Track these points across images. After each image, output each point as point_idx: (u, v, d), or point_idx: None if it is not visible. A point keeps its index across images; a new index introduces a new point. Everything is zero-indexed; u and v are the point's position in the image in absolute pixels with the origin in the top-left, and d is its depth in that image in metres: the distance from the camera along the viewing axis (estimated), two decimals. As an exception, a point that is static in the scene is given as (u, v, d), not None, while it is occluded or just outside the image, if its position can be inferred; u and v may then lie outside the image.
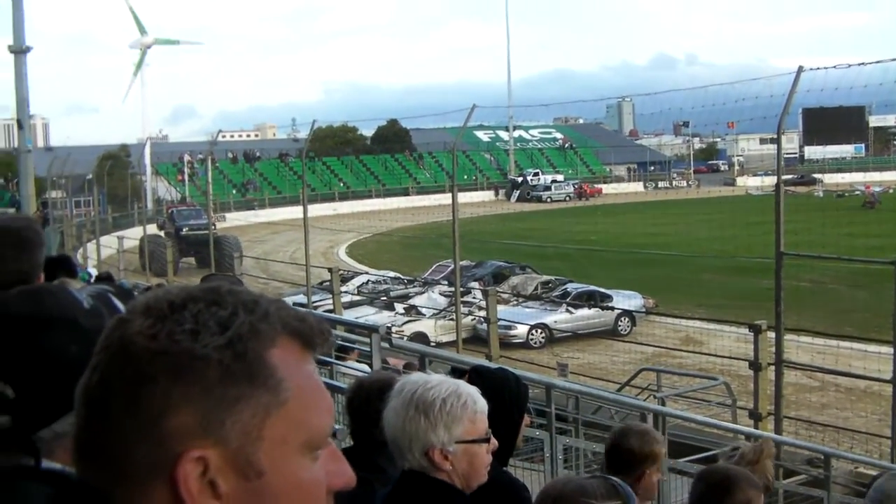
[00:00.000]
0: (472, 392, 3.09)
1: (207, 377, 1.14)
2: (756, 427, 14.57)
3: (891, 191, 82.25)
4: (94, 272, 19.95)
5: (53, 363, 1.66)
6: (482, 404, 3.09)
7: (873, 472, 11.03)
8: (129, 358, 1.14)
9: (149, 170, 79.02)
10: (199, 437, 1.13)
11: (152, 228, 50.11)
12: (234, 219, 68.29)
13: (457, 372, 4.26)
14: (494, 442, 3.16)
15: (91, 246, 46.45)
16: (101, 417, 1.15)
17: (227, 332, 1.16)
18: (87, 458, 1.17)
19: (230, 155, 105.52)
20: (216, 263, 37.73)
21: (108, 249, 46.38)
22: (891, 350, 14.41)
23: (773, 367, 15.39)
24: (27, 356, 1.70)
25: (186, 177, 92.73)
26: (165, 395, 1.13)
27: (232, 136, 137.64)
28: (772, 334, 15.40)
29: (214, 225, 44.72)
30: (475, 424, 3.04)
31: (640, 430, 5.24)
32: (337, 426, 4.92)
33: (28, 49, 20.13)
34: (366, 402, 3.83)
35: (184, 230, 49.03)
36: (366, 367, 10.97)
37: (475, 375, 3.84)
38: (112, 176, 63.02)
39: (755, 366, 15.69)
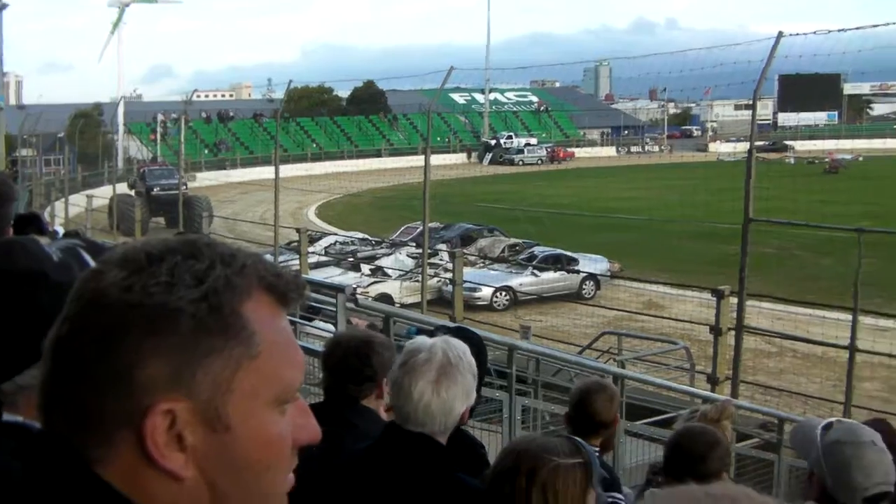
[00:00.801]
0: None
1: (180, 330, 1.13)
2: (713, 391, 14.68)
3: (860, 158, 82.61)
4: (60, 230, 19.83)
5: (20, 316, 1.64)
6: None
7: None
8: (103, 309, 1.13)
9: (121, 129, 78.58)
10: (170, 389, 1.13)
11: (122, 188, 49.73)
12: (205, 178, 68.02)
13: (421, 333, 4.29)
14: None
15: (59, 204, 46.14)
16: (71, 368, 1.13)
17: (203, 286, 1.15)
18: (54, 409, 1.16)
19: (204, 115, 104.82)
20: (186, 223, 37.61)
21: (77, 208, 46.10)
22: (849, 317, 14.54)
23: (733, 332, 15.49)
24: None
25: (159, 136, 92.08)
26: (137, 347, 1.12)
27: (207, 96, 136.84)
28: (734, 300, 15.49)
29: (185, 185, 44.54)
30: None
31: (609, 394, 5.26)
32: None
33: (4, 6, 19.90)
34: (343, 359, 3.80)
35: (154, 190, 48.68)
36: (330, 327, 11.01)
37: (456, 333, 3.84)
38: (84, 135, 62.69)
39: (716, 330, 15.82)
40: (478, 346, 3.89)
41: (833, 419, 3.77)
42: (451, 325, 5.66)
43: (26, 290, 1.69)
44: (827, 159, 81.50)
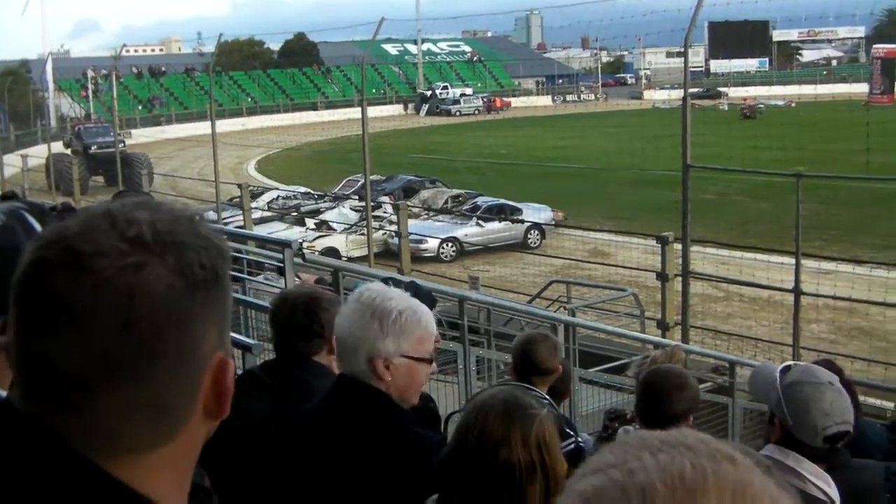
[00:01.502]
0: (429, 315, 3.13)
1: (222, 298, 1.25)
2: (664, 337, 14.87)
3: (792, 104, 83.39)
4: (-4, 190, 19.53)
5: None
6: (433, 328, 3.13)
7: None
8: (170, 300, 1.17)
9: (51, 86, 76.99)
10: (217, 348, 1.24)
11: (57, 146, 48.78)
12: (141, 135, 67.00)
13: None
14: (434, 366, 3.22)
15: (-7, 165, 45.33)
16: (147, 365, 1.16)
17: (224, 254, 1.26)
18: (108, 415, 1.17)
19: (135, 70, 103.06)
20: (125, 181, 37.13)
21: (12, 168, 45.22)
22: (792, 261, 14.79)
23: (679, 279, 15.69)
24: None
25: (90, 93, 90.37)
26: (203, 325, 1.21)
27: (136, 51, 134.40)
28: (678, 246, 15.66)
29: (123, 142, 43.91)
30: (423, 344, 3.07)
31: (552, 343, 5.39)
32: (251, 341, 4.94)
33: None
34: (290, 316, 3.84)
35: (92, 148, 47.72)
36: (280, 283, 10.98)
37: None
38: (13, 93, 61.42)
39: (662, 277, 15.99)
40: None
41: (790, 363, 3.86)
42: (401, 277, 5.67)
43: None
44: (762, 106, 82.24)
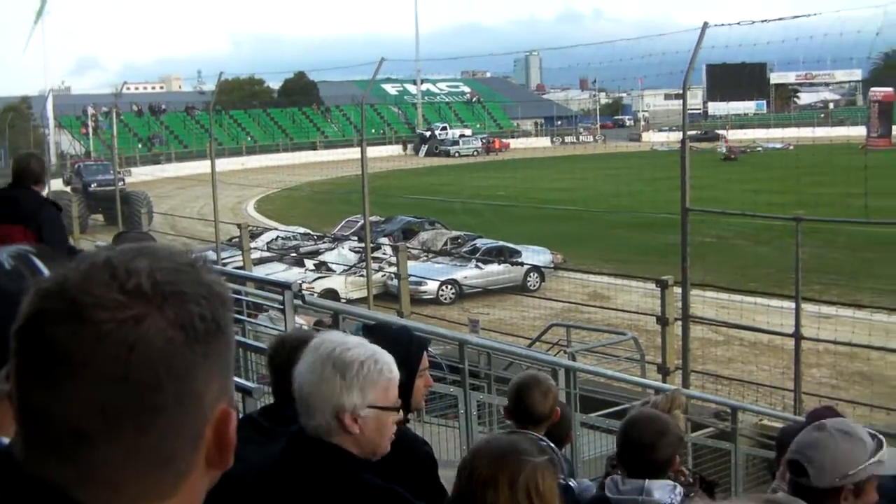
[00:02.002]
0: (390, 360, 3.04)
1: (225, 349, 1.24)
2: (664, 381, 14.82)
3: (790, 147, 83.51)
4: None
5: None
6: (397, 373, 3.05)
7: (777, 424, 11.36)
8: (170, 354, 1.16)
9: (51, 122, 77.06)
10: (221, 399, 1.23)
11: (57, 184, 48.87)
12: (141, 173, 67.08)
13: (367, 329, 4.28)
14: (401, 414, 3.14)
15: (-8, 201, 45.28)
16: (146, 419, 1.16)
17: (227, 303, 1.25)
18: (104, 466, 1.16)
19: (135, 108, 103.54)
20: (125, 220, 37.10)
21: (11, 205, 45.24)
22: (792, 304, 14.77)
23: (679, 322, 15.65)
24: None
25: (91, 130, 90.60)
26: (206, 377, 1.20)
27: (137, 88, 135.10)
28: (678, 289, 15.63)
29: (123, 180, 43.93)
30: (388, 392, 2.99)
31: (545, 388, 5.37)
32: (252, 385, 4.91)
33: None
34: (287, 360, 3.80)
35: (91, 186, 47.72)
36: (277, 326, 10.95)
37: (367, 333, 3.83)
38: (13, 129, 61.55)
39: (662, 320, 15.93)
40: (394, 343, 3.72)
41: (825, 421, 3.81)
42: (371, 322, 5.64)
43: None
44: (760, 149, 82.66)
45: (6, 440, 1.33)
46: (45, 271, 1.77)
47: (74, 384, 1.13)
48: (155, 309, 1.15)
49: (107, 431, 1.14)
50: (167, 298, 1.17)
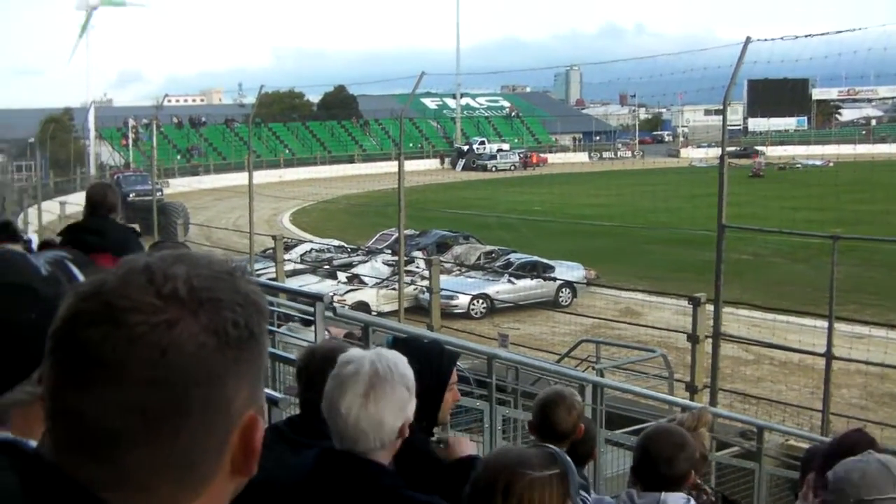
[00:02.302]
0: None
1: (257, 357, 1.25)
2: (692, 399, 14.73)
3: (830, 164, 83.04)
4: (34, 238, 19.70)
5: (12, 331, 1.63)
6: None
7: (804, 445, 11.23)
8: (201, 358, 1.17)
9: (92, 134, 78.02)
10: (249, 406, 1.24)
11: (95, 194, 49.30)
12: (178, 185, 67.59)
13: (398, 342, 4.28)
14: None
15: (32, 211, 45.83)
16: (176, 422, 1.16)
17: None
18: (137, 472, 1.17)
19: (175, 120, 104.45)
20: (161, 230, 37.39)
21: (50, 215, 45.76)
22: (825, 324, 14.63)
23: (710, 340, 15.54)
24: None
25: (131, 141, 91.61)
26: (236, 384, 1.21)
27: (178, 101, 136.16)
28: (711, 307, 15.53)
29: (161, 191, 44.29)
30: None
31: (569, 404, 5.34)
32: (279, 395, 4.88)
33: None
34: (319, 371, 3.79)
35: (130, 196, 48.15)
36: (309, 336, 10.96)
37: (398, 345, 3.84)
38: (55, 140, 62.29)
39: (693, 338, 15.84)
40: (425, 356, 3.86)
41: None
42: (402, 335, 5.65)
43: (15, 305, 1.67)
44: (799, 166, 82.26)
45: (34, 443, 1.35)
46: (81, 277, 1.80)
47: (107, 386, 1.14)
48: (189, 314, 1.17)
49: (139, 433, 1.15)
50: (203, 304, 1.18)
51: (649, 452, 4.55)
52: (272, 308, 11.65)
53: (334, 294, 20.66)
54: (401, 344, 4.06)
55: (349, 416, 2.93)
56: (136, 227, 24.54)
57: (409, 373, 3.04)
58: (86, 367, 1.15)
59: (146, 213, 40.82)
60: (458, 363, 4.24)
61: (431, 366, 3.90)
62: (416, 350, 3.92)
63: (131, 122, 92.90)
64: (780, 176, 78.97)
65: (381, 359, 3.02)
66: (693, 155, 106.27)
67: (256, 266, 27.15)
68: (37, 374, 1.38)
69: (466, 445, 3.55)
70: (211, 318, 1.18)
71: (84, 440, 1.16)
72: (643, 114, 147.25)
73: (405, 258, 24.13)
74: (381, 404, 2.93)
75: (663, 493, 4.41)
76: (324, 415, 3.04)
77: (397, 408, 2.95)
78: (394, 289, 25.23)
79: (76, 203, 46.77)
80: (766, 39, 16.29)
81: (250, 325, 1.22)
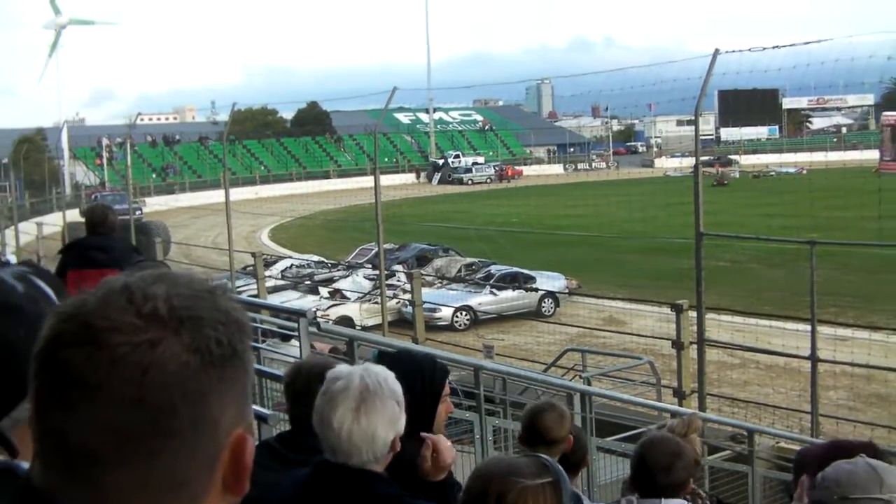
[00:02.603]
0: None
1: (242, 374, 1.24)
2: (680, 405, 14.77)
3: (804, 171, 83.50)
4: (13, 259, 19.61)
5: (5, 352, 1.62)
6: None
7: (795, 447, 11.32)
8: (180, 379, 1.17)
9: (66, 154, 77.61)
10: (238, 423, 1.23)
11: (72, 214, 48.97)
12: (155, 204, 67.38)
13: (385, 356, 4.32)
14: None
15: (9, 232, 45.50)
16: (158, 442, 1.16)
17: (245, 329, 1.25)
18: (120, 488, 1.16)
19: (149, 138, 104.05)
20: (144, 249, 37.14)
21: (27, 236, 45.46)
22: (808, 327, 14.73)
23: (695, 346, 15.61)
24: None
25: (105, 161, 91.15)
26: (220, 402, 1.20)
27: (151, 119, 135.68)
28: (693, 313, 15.60)
29: (140, 210, 44.01)
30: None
31: (559, 412, 5.38)
32: (267, 411, 4.93)
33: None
34: (306, 387, 3.83)
35: None
36: (294, 352, 10.96)
37: (389, 360, 3.87)
38: (28, 160, 61.88)
39: (678, 345, 15.87)
40: (418, 370, 3.90)
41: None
42: (391, 350, 5.66)
43: (3, 325, 1.66)
44: (773, 173, 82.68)
45: (25, 465, 1.33)
46: (48, 289, 1.79)
47: (89, 407, 1.14)
48: (171, 333, 1.16)
49: (120, 454, 1.14)
50: (183, 323, 1.18)
51: (646, 461, 4.58)
52: (255, 325, 11.66)
53: (317, 309, 20.64)
54: (393, 358, 4.10)
55: (342, 431, 2.98)
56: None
57: (398, 388, 3.08)
58: (68, 388, 1.15)
59: (126, 233, 40.57)
60: (446, 375, 4.28)
61: (424, 379, 3.92)
62: (409, 364, 3.95)
63: (105, 142, 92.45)
64: (750, 184, 79.42)
65: (370, 374, 3.06)
66: (667, 165, 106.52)
67: (237, 283, 27.09)
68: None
69: (447, 453, 3.52)
70: (193, 336, 1.17)
71: (67, 461, 1.15)
72: (616, 125, 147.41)
73: (386, 272, 24.12)
74: (373, 418, 2.98)
75: (663, 500, 4.45)
76: (315, 430, 3.08)
77: (388, 421, 3.00)
78: (376, 303, 25.21)
79: (53, 224, 46.60)
80: (734, 51, 16.39)
81: (233, 342, 1.21)
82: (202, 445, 1.19)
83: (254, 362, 1.30)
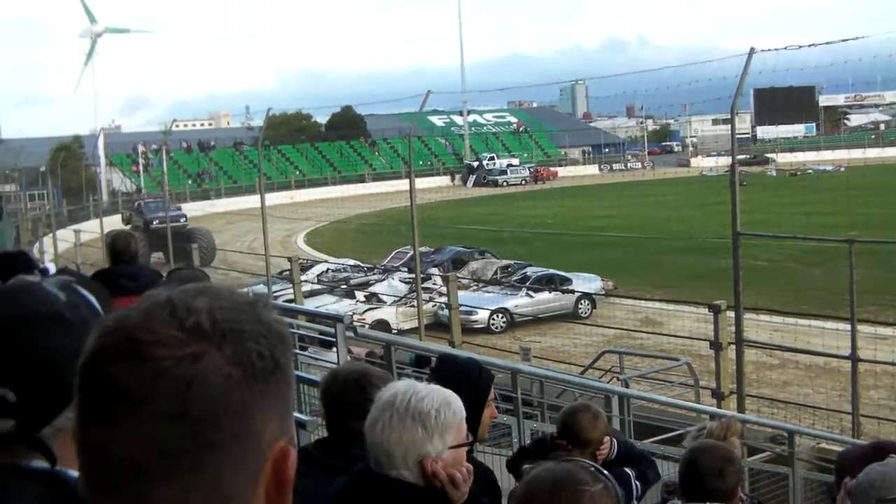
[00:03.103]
0: (458, 400, 3.11)
1: (284, 387, 1.23)
2: (719, 406, 14.70)
3: (841, 169, 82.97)
4: (52, 266, 19.74)
5: (49, 361, 1.64)
6: (464, 411, 3.13)
7: (836, 448, 11.20)
8: (228, 391, 1.16)
9: (103, 161, 78.17)
10: (280, 436, 1.22)
11: (109, 221, 49.29)
12: (191, 209, 67.63)
13: (421, 359, 4.32)
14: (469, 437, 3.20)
15: (47, 240, 45.93)
16: (203, 456, 1.15)
17: (286, 342, 1.24)
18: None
19: (184, 144, 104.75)
20: (180, 256, 37.36)
21: (65, 243, 45.84)
22: (848, 326, 14.60)
23: (733, 347, 15.51)
24: (22, 357, 1.66)
25: (141, 167, 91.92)
26: (264, 415, 1.19)
27: (186, 126, 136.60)
28: (731, 314, 15.51)
29: (185, 216, 44.41)
30: (461, 430, 3.07)
31: (594, 413, 5.34)
32: (305, 418, 4.91)
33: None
34: (341, 393, 3.81)
35: (153, 223, 48.06)
36: (332, 357, 10.96)
37: (439, 365, 3.86)
38: (66, 168, 62.41)
39: (716, 345, 15.81)
40: (464, 375, 3.94)
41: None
42: (428, 354, 5.63)
43: (48, 335, 1.69)
44: (811, 171, 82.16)
45: (74, 473, 1.32)
46: (91, 298, 1.83)
47: (133, 421, 1.14)
48: (213, 346, 1.16)
49: (165, 468, 1.14)
50: (226, 336, 1.17)
51: (697, 466, 4.55)
52: (292, 330, 11.67)
53: (353, 313, 20.67)
54: (439, 364, 4.08)
55: (388, 442, 3.00)
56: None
57: (461, 408, 3.11)
58: (111, 403, 1.15)
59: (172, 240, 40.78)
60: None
61: (470, 384, 3.96)
62: (455, 369, 4.03)
63: (141, 148, 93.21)
64: (787, 182, 78.73)
65: (433, 392, 3.09)
66: (703, 164, 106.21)
67: (274, 288, 27.20)
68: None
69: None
70: (235, 349, 1.17)
71: (110, 475, 1.15)
72: (651, 125, 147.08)
73: (422, 275, 24.13)
74: (410, 433, 2.99)
75: None
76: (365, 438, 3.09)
77: (438, 436, 3.01)
78: (412, 306, 25.24)
79: (91, 231, 46.94)
80: (769, 50, 16.27)
81: (275, 355, 1.21)
82: (245, 459, 1.18)
83: (294, 374, 1.29)
